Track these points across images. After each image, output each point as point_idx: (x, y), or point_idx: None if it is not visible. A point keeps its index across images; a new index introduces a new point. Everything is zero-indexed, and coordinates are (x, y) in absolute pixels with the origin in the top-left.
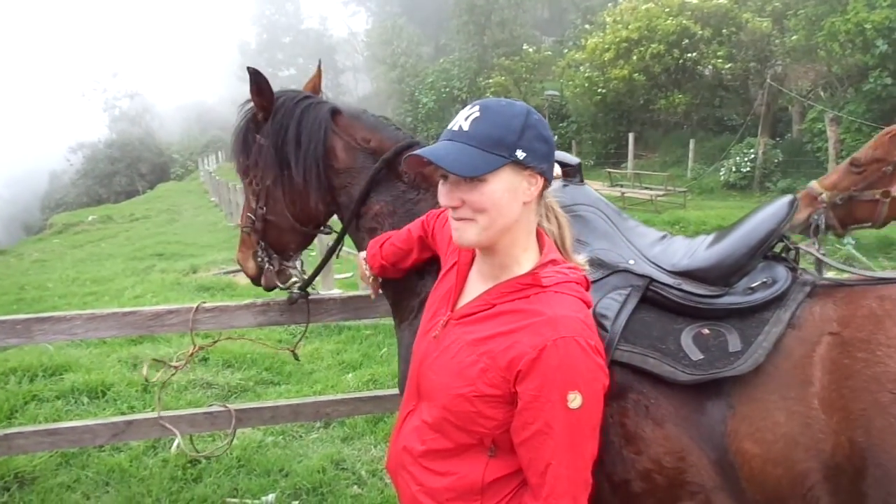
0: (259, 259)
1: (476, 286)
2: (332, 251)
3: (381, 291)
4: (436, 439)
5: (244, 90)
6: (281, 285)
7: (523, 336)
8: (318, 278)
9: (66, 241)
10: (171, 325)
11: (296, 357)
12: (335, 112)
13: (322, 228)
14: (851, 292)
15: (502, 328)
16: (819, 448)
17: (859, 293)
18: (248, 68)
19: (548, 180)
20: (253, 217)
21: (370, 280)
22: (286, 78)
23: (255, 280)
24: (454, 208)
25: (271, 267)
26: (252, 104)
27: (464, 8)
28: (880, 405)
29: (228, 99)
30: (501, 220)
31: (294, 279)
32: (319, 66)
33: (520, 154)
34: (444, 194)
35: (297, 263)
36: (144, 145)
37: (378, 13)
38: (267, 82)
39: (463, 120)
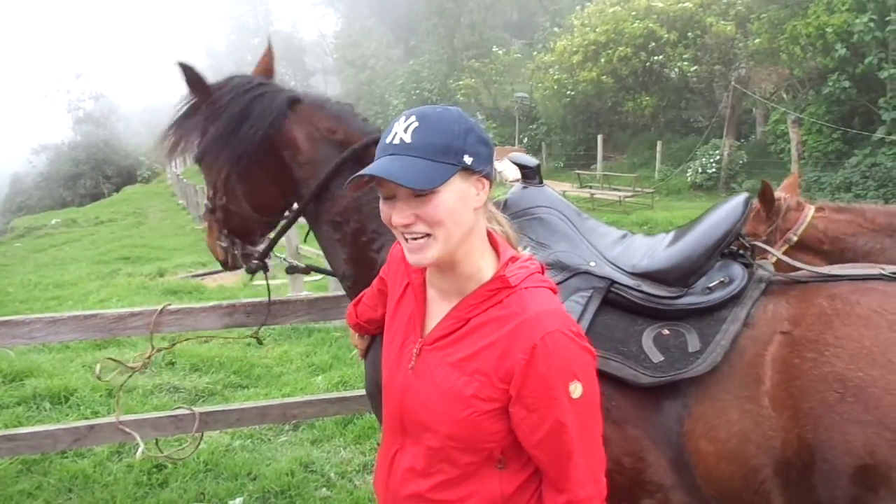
0: (222, 244)
1: (440, 306)
2: (285, 228)
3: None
4: (441, 469)
5: None
6: (247, 266)
7: (509, 342)
8: (287, 279)
9: (29, 245)
10: (134, 327)
11: (259, 342)
12: (294, 101)
13: (285, 214)
14: (805, 290)
15: (485, 340)
16: (770, 445)
17: (812, 291)
18: (178, 63)
19: (492, 182)
20: (211, 206)
21: (357, 340)
22: None
23: (224, 265)
24: (406, 226)
25: (235, 252)
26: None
27: (433, 10)
28: (827, 404)
29: None
30: (458, 231)
31: (256, 262)
32: (270, 46)
33: (467, 159)
34: (395, 213)
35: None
36: (110, 147)
37: (347, 15)
38: (196, 76)
39: (402, 132)
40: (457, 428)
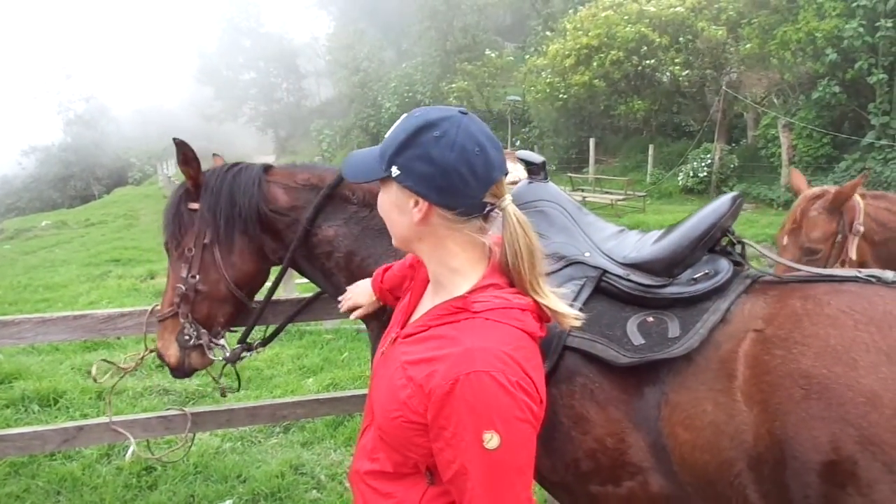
0: (186, 337)
1: (425, 304)
2: (276, 284)
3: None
4: (378, 459)
5: (204, 94)
6: (205, 366)
7: (441, 365)
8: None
9: (18, 246)
10: (124, 328)
11: (223, 394)
12: (267, 167)
13: (251, 302)
14: (783, 290)
15: (427, 353)
16: (742, 438)
17: (789, 291)
18: (174, 139)
19: (440, 205)
20: (183, 287)
21: (364, 299)
22: (247, 81)
23: (179, 367)
24: None
25: (200, 342)
26: (184, 183)
27: (426, 13)
28: (794, 400)
29: (188, 102)
30: (395, 230)
31: (219, 358)
32: (218, 157)
33: (394, 170)
34: None
35: (223, 341)
36: (101, 149)
37: (340, 17)
38: (192, 151)
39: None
40: (389, 426)
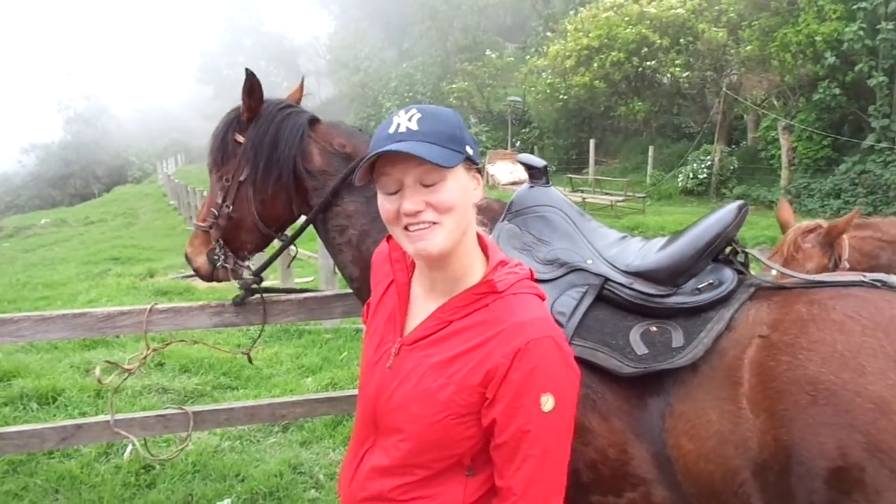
0: (215, 257)
1: (423, 305)
2: (291, 240)
3: None
4: (410, 471)
5: (204, 93)
6: (234, 279)
7: (493, 346)
8: (278, 280)
9: (17, 244)
10: (123, 326)
11: (250, 360)
12: (313, 120)
13: (280, 235)
14: (787, 296)
15: (468, 345)
16: (747, 446)
17: (793, 297)
18: (246, 69)
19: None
20: (217, 213)
21: None
22: None
23: (206, 276)
24: (415, 214)
25: (226, 266)
26: (237, 108)
27: (427, 13)
28: (800, 406)
29: (188, 101)
30: (463, 222)
31: (245, 278)
32: (302, 83)
33: (469, 150)
34: (406, 201)
35: (248, 263)
36: (101, 147)
37: (341, 17)
38: (259, 84)
39: (407, 122)
40: (430, 431)
